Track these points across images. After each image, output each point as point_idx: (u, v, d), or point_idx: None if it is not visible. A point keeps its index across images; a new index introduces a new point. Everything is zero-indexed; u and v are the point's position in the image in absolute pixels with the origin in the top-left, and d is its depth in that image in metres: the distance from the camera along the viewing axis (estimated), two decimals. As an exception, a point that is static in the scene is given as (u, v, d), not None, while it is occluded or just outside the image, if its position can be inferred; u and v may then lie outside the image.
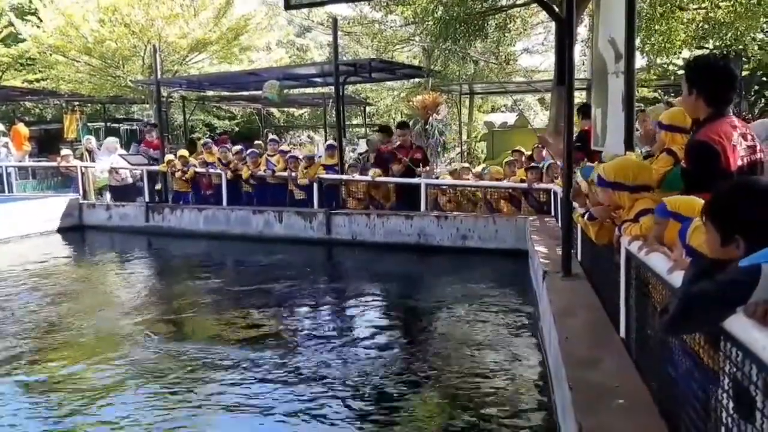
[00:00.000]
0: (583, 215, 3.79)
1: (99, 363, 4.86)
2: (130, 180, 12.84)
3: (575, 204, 4.75)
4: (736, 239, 1.65)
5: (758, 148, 2.73)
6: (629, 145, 2.92)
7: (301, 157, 10.56)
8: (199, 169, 11.49)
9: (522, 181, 8.83)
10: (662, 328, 1.97)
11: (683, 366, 2.10)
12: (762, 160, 2.72)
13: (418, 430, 3.70)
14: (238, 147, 11.92)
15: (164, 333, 5.59)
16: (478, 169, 9.79)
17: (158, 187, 12.20)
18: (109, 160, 12.84)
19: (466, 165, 9.78)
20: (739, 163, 2.64)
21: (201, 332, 5.60)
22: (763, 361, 1.34)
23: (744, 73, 13.51)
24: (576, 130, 7.40)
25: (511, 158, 9.63)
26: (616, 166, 3.19)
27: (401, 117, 22.65)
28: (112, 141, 13.62)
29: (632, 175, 3.08)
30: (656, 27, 11.58)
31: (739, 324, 1.47)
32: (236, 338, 5.38)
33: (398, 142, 10.02)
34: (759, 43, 13.25)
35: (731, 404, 1.61)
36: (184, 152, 12.18)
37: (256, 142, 14.08)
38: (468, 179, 9.48)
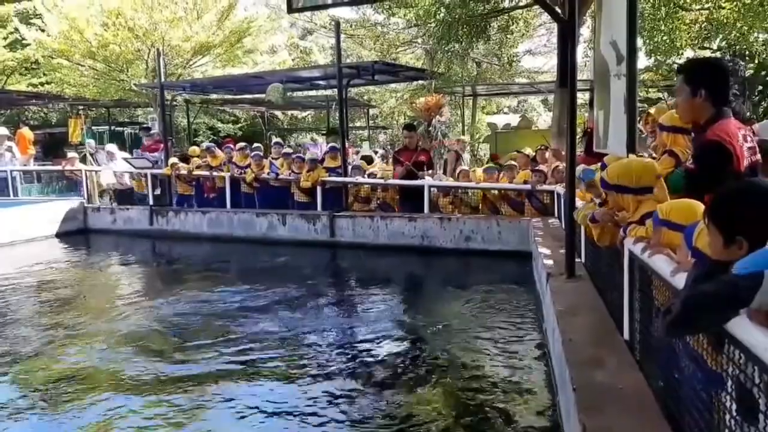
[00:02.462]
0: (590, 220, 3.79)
1: (101, 367, 4.87)
2: (129, 184, 12.94)
3: (578, 202, 4.75)
4: (739, 240, 1.65)
5: (757, 149, 2.73)
6: (631, 148, 2.91)
7: (306, 158, 10.56)
8: (203, 172, 11.52)
9: (525, 182, 8.82)
10: (664, 329, 1.97)
11: (687, 367, 2.10)
12: (760, 161, 2.72)
13: (421, 431, 3.71)
14: (242, 144, 12.00)
15: (168, 336, 5.60)
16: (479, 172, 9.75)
17: (158, 192, 12.22)
18: (111, 166, 12.92)
19: (465, 168, 9.76)
20: (745, 163, 2.64)
21: (205, 335, 5.59)
22: (765, 363, 1.35)
23: (748, 74, 13.45)
24: (580, 130, 7.41)
25: (513, 163, 9.52)
26: (619, 168, 3.19)
27: (405, 119, 22.65)
28: (109, 147, 13.74)
29: (635, 178, 3.08)
30: (662, 27, 11.57)
31: (741, 326, 1.47)
32: (240, 341, 5.38)
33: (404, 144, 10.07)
34: (762, 44, 13.21)
35: (734, 406, 1.61)
36: (195, 149, 12.29)
37: (256, 144, 14.11)
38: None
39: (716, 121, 2.73)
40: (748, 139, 2.71)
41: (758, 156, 2.73)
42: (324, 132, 18.53)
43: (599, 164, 3.84)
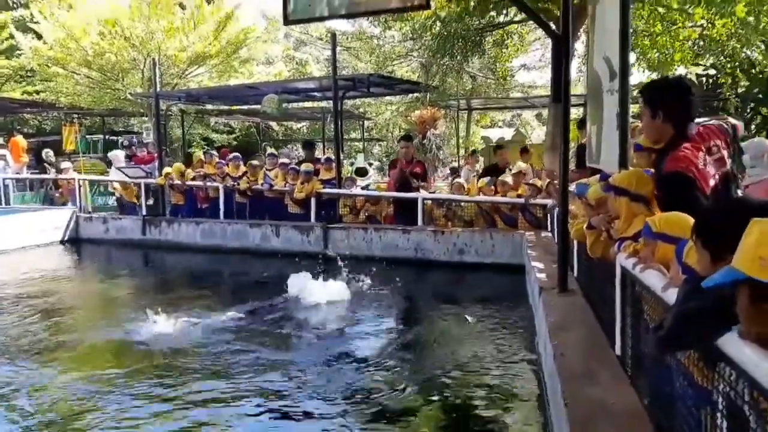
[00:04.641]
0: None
1: (87, 378, 4.80)
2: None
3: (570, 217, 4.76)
4: (727, 257, 1.65)
5: (725, 155, 2.74)
6: (623, 164, 2.93)
7: (301, 170, 10.55)
8: (196, 183, 11.49)
9: (519, 196, 8.84)
10: (656, 344, 1.97)
11: (678, 383, 2.10)
12: (728, 171, 2.73)
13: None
14: (234, 154, 12.01)
15: (157, 349, 5.52)
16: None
17: (150, 202, 12.18)
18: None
19: (461, 181, 9.78)
20: (712, 183, 2.63)
21: (195, 348, 5.54)
22: (755, 379, 1.35)
23: (740, 90, 13.60)
24: (573, 145, 7.46)
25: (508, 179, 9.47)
26: (623, 173, 3.20)
27: (399, 131, 22.73)
28: (117, 152, 13.91)
29: (635, 182, 3.07)
30: (658, 40, 11.70)
31: (732, 343, 1.47)
32: (231, 353, 5.35)
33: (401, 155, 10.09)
34: (761, 56, 13.36)
35: (725, 423, 1.61)
36: (179, 166, 12.16)
37: (255, 155, 14.16)
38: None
39: (675, 145, 2.72)
40: (713, 150, 2.70)
41: (727, 166, 2.74)
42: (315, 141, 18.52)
43: (597, 176, 3.86)
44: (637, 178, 3.09)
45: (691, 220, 2.37)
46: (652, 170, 3.06)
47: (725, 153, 2.75)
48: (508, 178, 9.18)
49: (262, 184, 10.87)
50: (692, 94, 2.85)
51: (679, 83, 2.96)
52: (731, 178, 2.77)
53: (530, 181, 8.94)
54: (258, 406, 4.26)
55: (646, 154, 3.28)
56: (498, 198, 9.09)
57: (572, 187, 4.82)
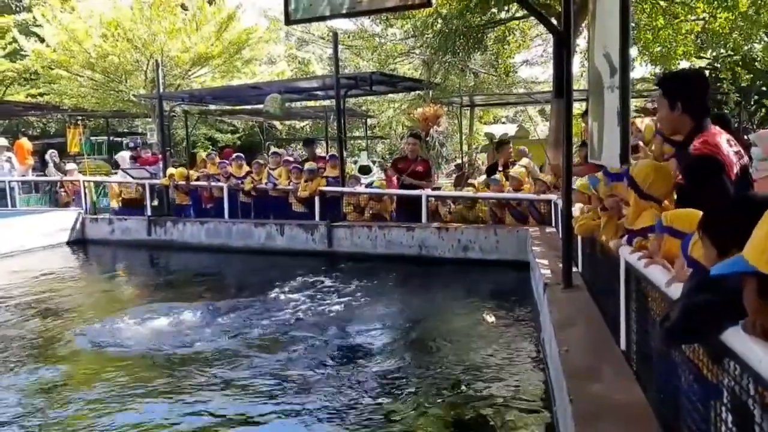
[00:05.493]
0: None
1: (88, 381, 4.82)
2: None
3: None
4: (733, 252, 1.66)
5: (743, 152, 2.75)
6: (624, 160, 2.93)
7: (304, 168, 10.56)
8: (201, 183, 11.53)
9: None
10: (662, 336, 1.97)
11: (684, 378, 2.10)
12: (748, 163, 2.73)
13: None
14: (237, 154, 12.02)
15: (161, 348, 5.54)
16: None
17: (155, 203, 12.23)
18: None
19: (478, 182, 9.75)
20: (735, 170, 2.64)
21: (197, 347, 5.55)
22: (760, 374, 1.35)
23: (742, 84, 13.55)
24: (577, 140, 7.45)
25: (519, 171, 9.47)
26: (640, 166, 3.18)
27: (402, 129, 22.70)
28: (123, 154, 13.95)
29: (647, 183, 3.06)
30: (660, 34, 11.67)
31: (737, 337, 1.48)
32: (234, 353, 5.37)
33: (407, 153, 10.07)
34: (762, 51, 13.30)
35: (730, 418, 1.61)
36: (182, 171, 12.17)
37: (258, 154, 14.17)
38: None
39: (697, 134, 2.72)
40: (732, 143, 2.72)
41: (746, 158, 2.75)
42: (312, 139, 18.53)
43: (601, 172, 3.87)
44: (655, 176, 3.04)
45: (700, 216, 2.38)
46: (663, 162, 3.06)
47: (740, 147, 2.76)
48: (516, 172, 9.16)
49: (266, 184, 10.89)
50: (708, 84, 2.84)
51: (698, 75, 2.95)
52: (749, 170, 2.77)
53: (539, 177, 8.92)
54: (258, 406, 4.28)
55: (660, 139, 3.27)
56: (505, 194, 9.07)
57: (578, 182, 4.82)
